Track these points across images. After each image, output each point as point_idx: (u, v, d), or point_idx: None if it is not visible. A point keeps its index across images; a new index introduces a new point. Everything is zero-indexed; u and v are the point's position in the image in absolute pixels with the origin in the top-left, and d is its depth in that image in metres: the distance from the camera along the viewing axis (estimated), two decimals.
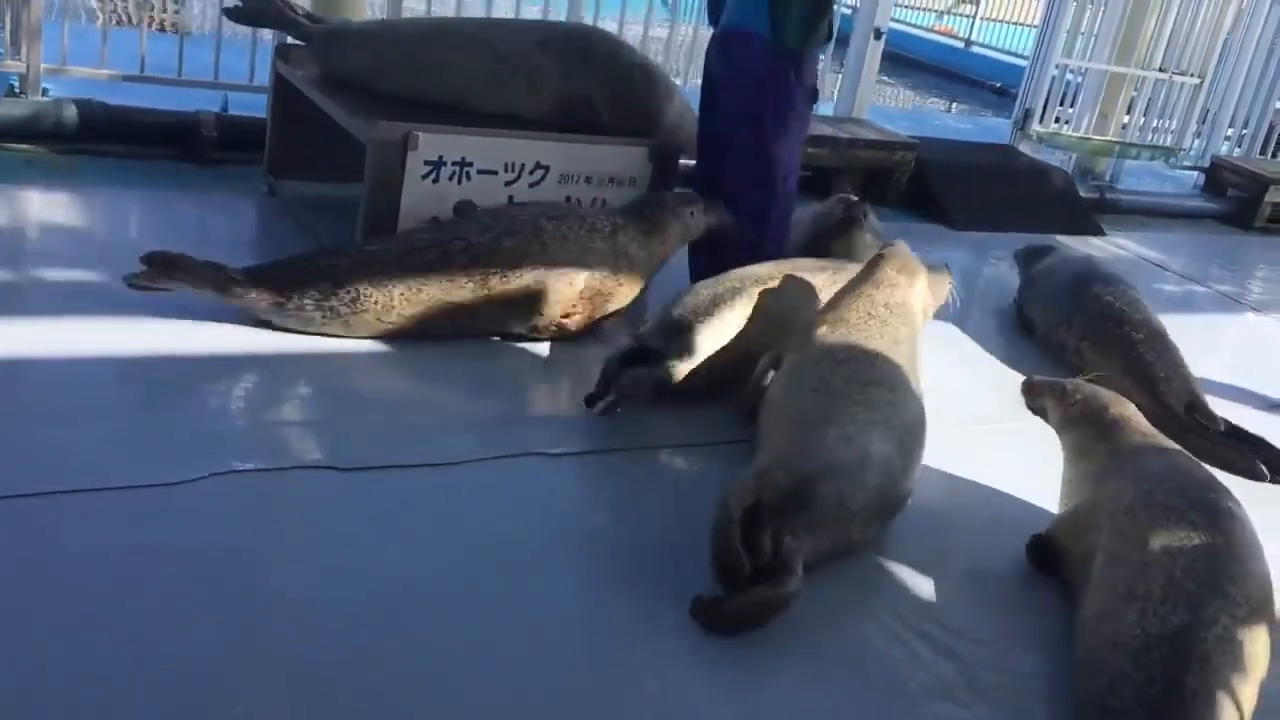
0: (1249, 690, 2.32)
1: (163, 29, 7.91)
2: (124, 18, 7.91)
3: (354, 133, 3.94)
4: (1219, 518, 2.63)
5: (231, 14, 4.65)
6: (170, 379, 3.25)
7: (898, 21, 6.71)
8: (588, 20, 6.00)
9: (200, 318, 3.52)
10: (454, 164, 3.87)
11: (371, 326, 3.56)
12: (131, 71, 5.25)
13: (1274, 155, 8.40)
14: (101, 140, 4.92)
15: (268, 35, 5.31)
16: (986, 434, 3.80)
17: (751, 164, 4.16)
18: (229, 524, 2.65)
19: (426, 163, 3.83)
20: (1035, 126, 7.46)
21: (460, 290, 3.59)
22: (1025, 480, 3.44)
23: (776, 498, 2.61)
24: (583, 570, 2.71)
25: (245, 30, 5.18)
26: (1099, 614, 2.50)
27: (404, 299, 3.54)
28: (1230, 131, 8.48)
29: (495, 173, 3.96)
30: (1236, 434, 3.91)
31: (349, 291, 3.49)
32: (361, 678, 2.22)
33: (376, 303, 3.52)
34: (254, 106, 5.08)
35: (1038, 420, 3.40)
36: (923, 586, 2.89)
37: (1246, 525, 2.68)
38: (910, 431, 3.02)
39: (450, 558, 2.65)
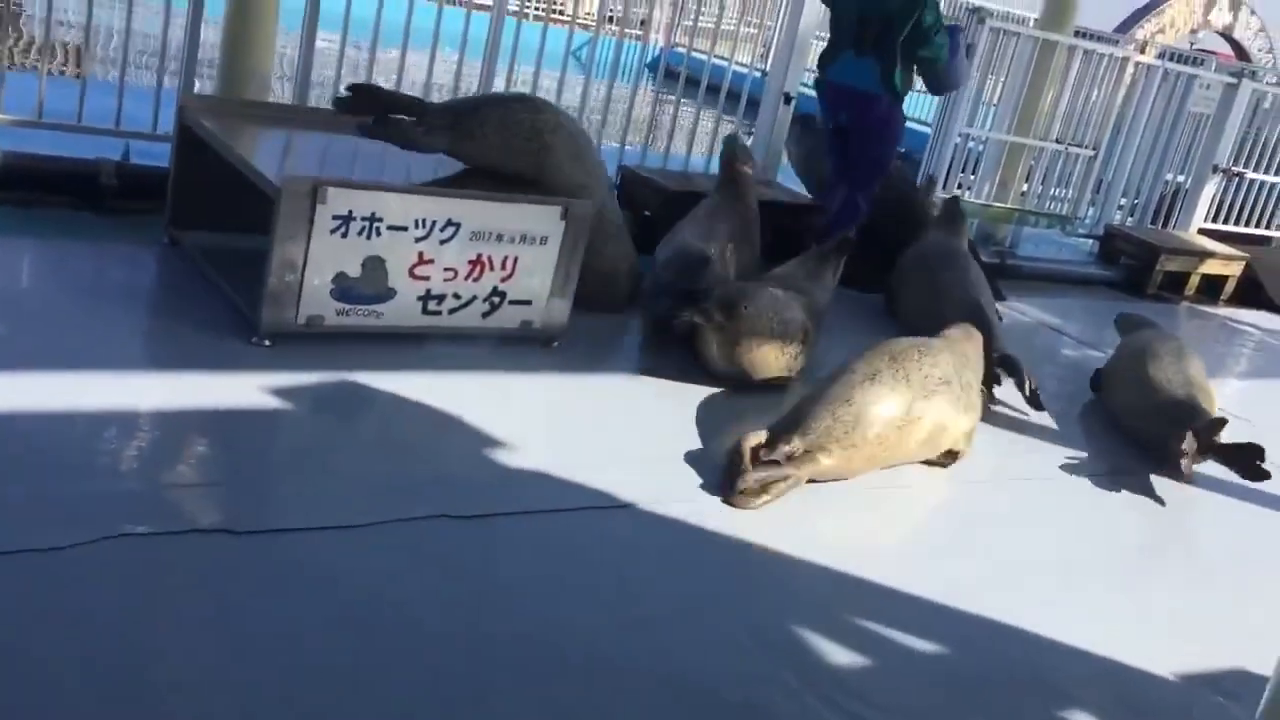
0: None
1: (63, 73, 7.72)
2: (20, 62, 7.69)
3: (261, 185, 3.87)
4: None
5: (340, 104, 4.45)
6: (59, 435, 3.11)
7: (805, 87, 6.87)
8: (501, 72, 6.00)
9: (94, 367, 3.40)
10: (363, 219, 3.81)
11: None
12: (29, 117, 5.09)
13: (1164, 225, 8.72)
14: None
15: (172, 82, 5.21)
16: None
17: (878, 174, 6.08)
18: (118, 590, 2.53)
19: (335, 217, 3.77)
20: (939, 193, 7.65)
21: None
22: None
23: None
24: (489, 638, 2.65)
25: (150, 76, 5.07)
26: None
27: None
28: (1123, 201, 8.80)
29: (405, 229, 3.91)
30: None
31: None
32: None
33: None
34: (157, 155, 4.95)
35: None
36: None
37: None
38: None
39: (351, 626, 2.57)
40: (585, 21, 8.63)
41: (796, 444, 3.54)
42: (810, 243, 5.54)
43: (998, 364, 4.75)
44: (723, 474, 3.56)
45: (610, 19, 9.28)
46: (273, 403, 3.52)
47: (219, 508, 2.94)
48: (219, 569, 2.70)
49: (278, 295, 3.78)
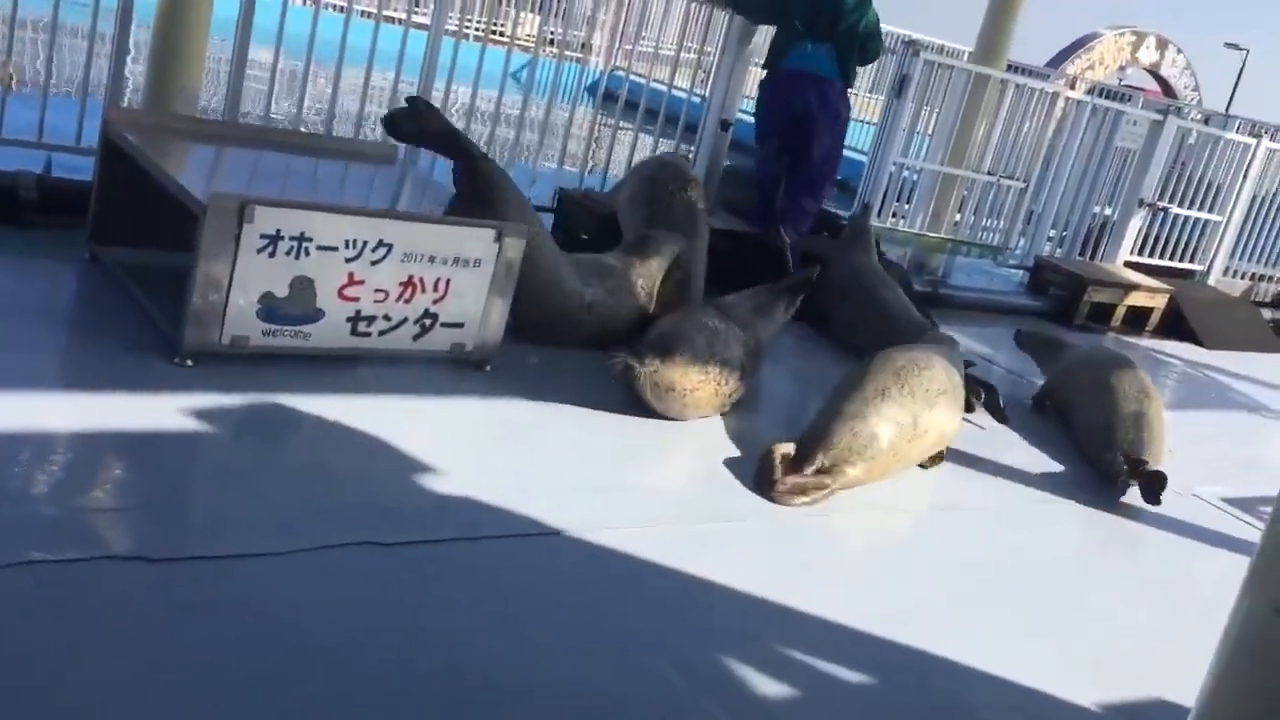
0: None
1: None
2: None
3: (187, 203, 3.78)
4: None
5: (390, 128, 4.52)
6: None
7: (746, 114, 6.97)
8: (440, 88, 5.96)
9: (7, 386, 3.30)
10: (292, 239, 3.74)
11: None
12: None
13: (1092, 257, 8.89)
14: None
15: (98, 93, 5.10)
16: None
17: (829, 174, 6.40)
18: (23, 621, 2.43)
19: (263, 236, 3.70)
20: (874, 220, 7.72)
21: None
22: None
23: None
24: (413, 670, 2.59)
25: (73, 87, 4.96)
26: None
27: None
28: (1053, 233, 8.96)
29: (335, 249, 3.85)
30: None
31: None
32: None
33: None
34: (81, 169, 4.84)
35: None
36: None
37: None
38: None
39: (271, 659, 2.50)
40: (524, 43, 8.62)
41: (822, 459, 3.94)
42: (774, 264, 5.64)
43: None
44: (756, 477, 3.92)
45: (550, 41, 9.28)
46: (194, 425, 3.43)
47: (134, 534, 2.85)
48: (132, 598, 2.61)
49: (201, 315, 3.69)
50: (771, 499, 3.86)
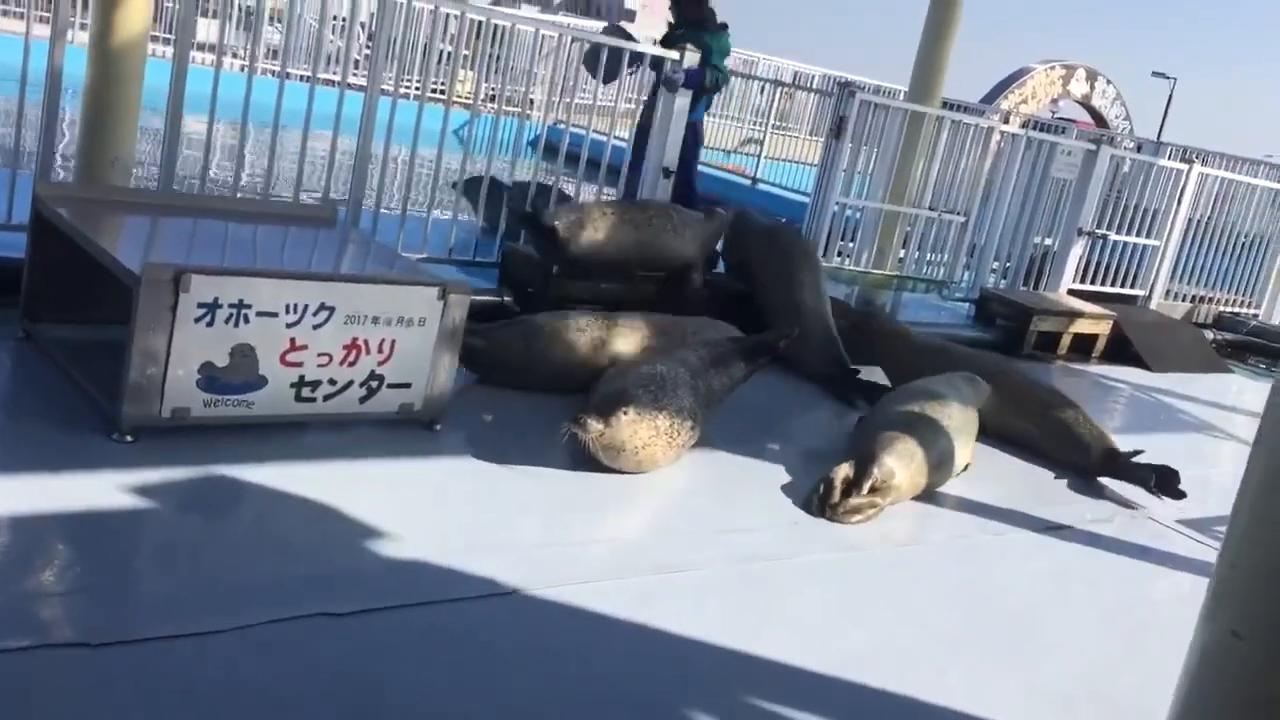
0: None
1: None
2: None
3: (121, 275, 3.71)
4: None
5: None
6: None
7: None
8: (379, 147, 5.94)
9: None
10: (230, 306, 3.68)
11: None
12: None
13: (1035, 287, 9.00)
14: None
15: (28, 169, 5.01)
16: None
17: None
18: None
19: (200, 305, 3.63)
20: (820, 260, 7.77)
21: None
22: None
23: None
24: None
25: (2, 162, 4.88)
26: None
27: None
28: (996, 264, 9.07)
29: (276, 314, 3.79)
30: None
31: None
32: None
33: None
34: (12, 246, 4.74)
35: None
36: None
37: None
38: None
39: None
40: (464, 100, 8.65)
41: (876, 477, 4.32)
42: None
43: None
44: (818, 500, 4.27)
45: (492, 97, 9.30)
46: (136, 502, 3.34)
47: (73, 619, 2.76)
48: (72, 687, 2.52)
49: (140, 388, 3.61)
50: (831, 519, 4.20)
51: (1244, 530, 2.03)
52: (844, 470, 4.34)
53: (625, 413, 4.11)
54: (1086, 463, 5.31)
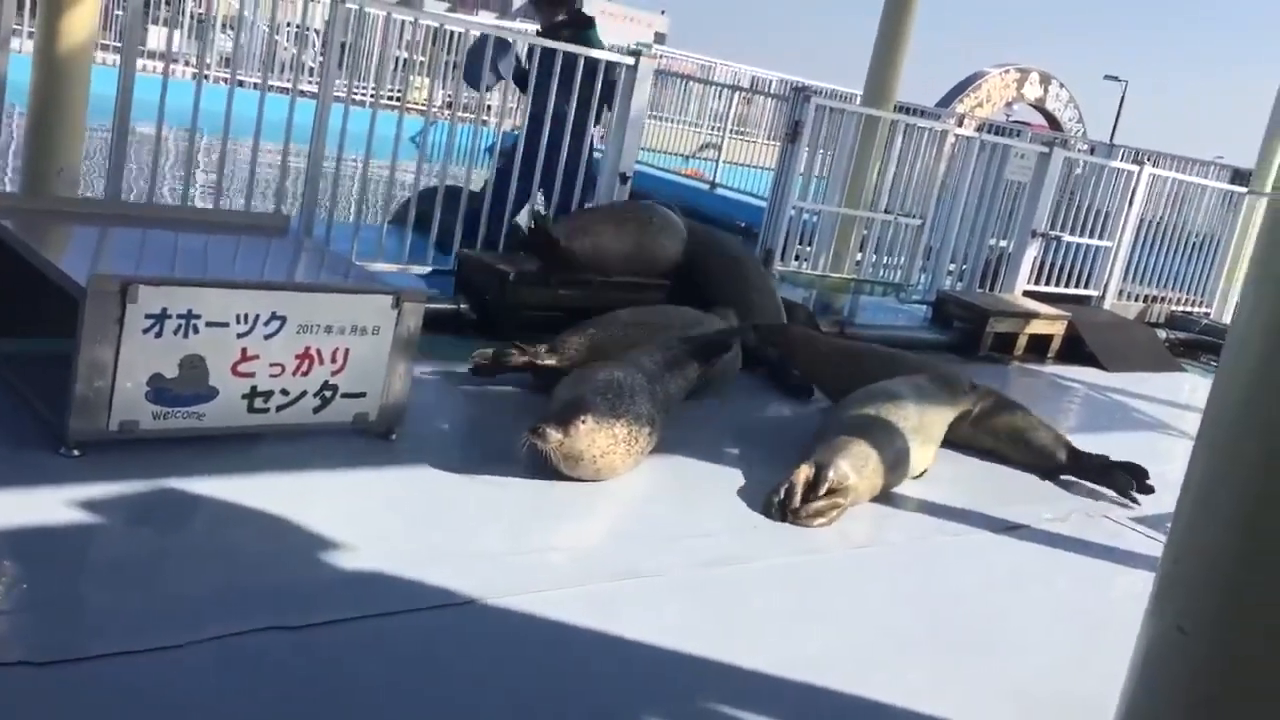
0: None
1: None
2: None
3: (66, 286, 3.65)
4: None
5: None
6: None
7: (647, 165, 7.04)
8: (332, 155, 5.88)
9: None
10: (179, 316, 3.63)
11: None
12: None
13: (991, 288, 9.07)
14: None
15: None
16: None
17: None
18: None
19: (148, 316, 3.57)
20: (777, 265, 7.80)
21: None
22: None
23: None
24: None
25: None
26: None
27: None
28: (952, 267, 9.13)
29: (226, 324, 3.74)
30: None
31: None
32: None
33: None
34: None
35: None
36: None
37: None
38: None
39: None
40: (417, 106, 8.59)
41: (833, 480, 4.33)
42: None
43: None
44: (779, 504, 4.24)
45: (448, 104, 9.24)
46: (83, 517, 3.28)
47: (19, 638, 2.69)
48: (16, 708, 2.46)
49: (87, 401, 3.55)
50: (794, 522, 4.20)
51: (1186, 525, 2.04)
52: (805, 472, 4.32)
53: (583, 421, 4.09)
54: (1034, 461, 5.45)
